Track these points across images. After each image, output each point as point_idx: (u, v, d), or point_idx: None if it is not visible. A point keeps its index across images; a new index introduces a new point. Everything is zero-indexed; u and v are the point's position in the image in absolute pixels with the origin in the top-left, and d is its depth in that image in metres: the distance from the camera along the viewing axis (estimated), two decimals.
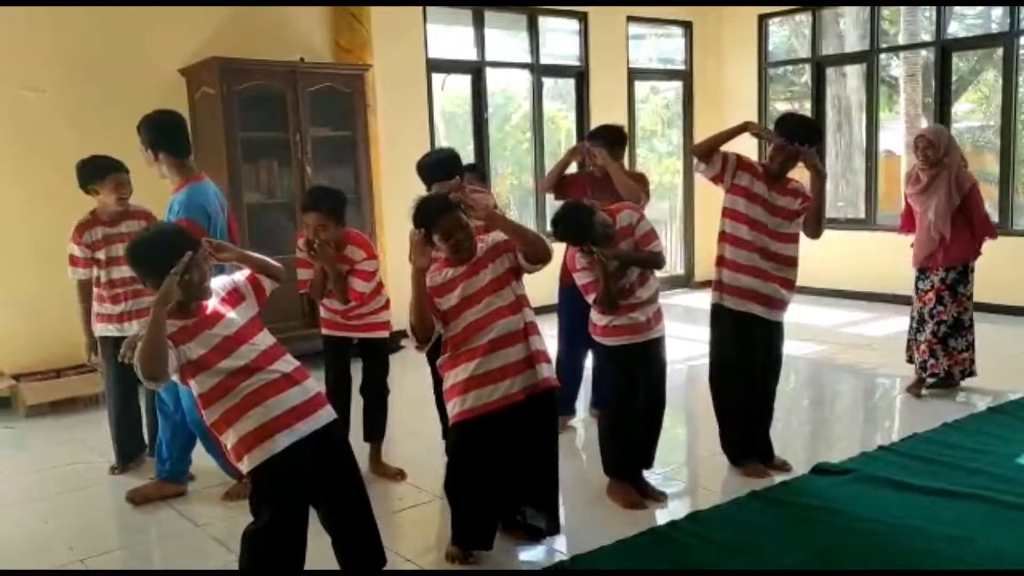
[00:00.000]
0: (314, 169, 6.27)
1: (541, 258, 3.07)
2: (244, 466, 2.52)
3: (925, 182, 4.91)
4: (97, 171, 4.09)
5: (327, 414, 2.62)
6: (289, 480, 2.54)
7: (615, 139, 4.59)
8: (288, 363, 2.62)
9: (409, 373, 5.08)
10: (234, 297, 2.67)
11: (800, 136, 3.81)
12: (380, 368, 4.19)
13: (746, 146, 4.20)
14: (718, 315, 3.92)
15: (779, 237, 3.82)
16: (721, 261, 3.88)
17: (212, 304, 2.59)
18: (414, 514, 3.72)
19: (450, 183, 3.96)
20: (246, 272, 2.76)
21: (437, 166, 4.09)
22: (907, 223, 5.22)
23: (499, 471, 3.13)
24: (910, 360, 5.24)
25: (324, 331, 4.13)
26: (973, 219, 4.91)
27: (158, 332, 2.39)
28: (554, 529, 3.34)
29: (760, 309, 3.82)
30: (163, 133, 3.76)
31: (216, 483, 4.00)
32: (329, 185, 4.43)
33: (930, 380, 5.08)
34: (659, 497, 3.70)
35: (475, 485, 3.12)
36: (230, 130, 5.93)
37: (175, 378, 2.54)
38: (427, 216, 3.05)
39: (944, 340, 4.96)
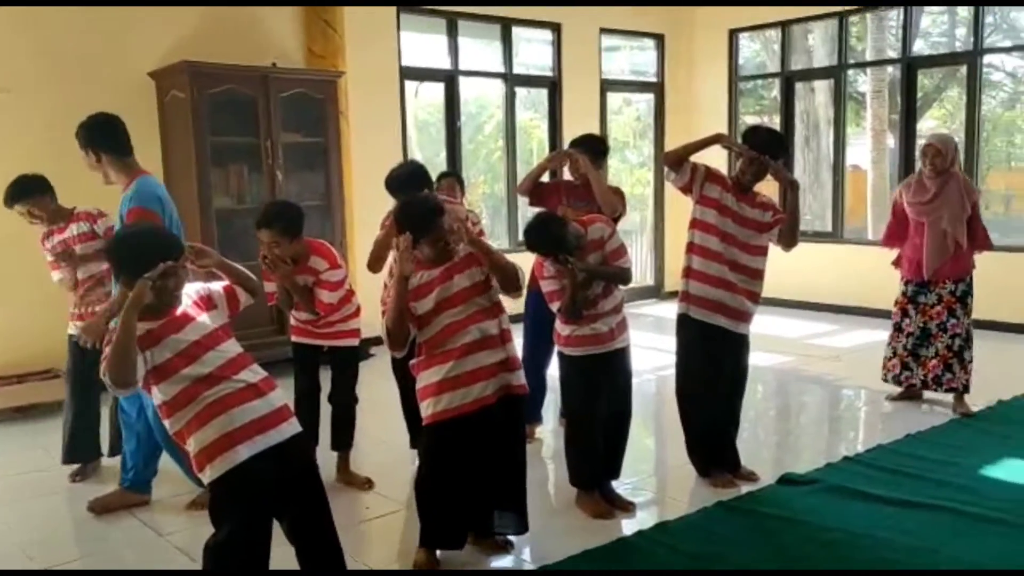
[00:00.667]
0: (284, 175, 6.23)
1: (510, 290, 3.10)
2: (205, 476, 2.48)
3: (934, 191, 4.81)
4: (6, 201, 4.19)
5: (291, 427, 2.57)
6: (250, 492, 2.49)
7: (599, 149, 4.61)
8: (254, 373, 2.57)
9: (378, 381, 5.06)
10: (206, 303, 2.64)
11: (768, 149, 3.85)
12: (349, 377, 4.16)
13: (718, 159, 4.23)
14: (684, 326, 3.94)
15: (748, 249, 3.86)
16: (689, 272, 3.91)
17: (181, 308, 2.55)
18: (381, 524, 3.69)
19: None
20: (223, 282, 2.73)
21: (408, 180, 4.06)
22: (894, 235, 5.09)
23: (470, 472, 3.14)
24: (887, 380, 5.15)
25: (293, 338, 4.10)
26: (974, 230, 4.85)
27: (128, 337, 2.36)
28: (522, 528, 3.33)
29: (726, 321, 3.85)
30: (103, 133, 3.72)
31: (182, 492, 3.94)
32: (286, 200, 4.42)
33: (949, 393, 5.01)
34: (627, 507, 3.71)
35: (446, 485, 3.12)
36: (199, 134, 5.87)
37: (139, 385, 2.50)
38: (417, 221, 3.03)
39: (960, 353, 4.88)
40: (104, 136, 3.71)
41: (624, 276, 3.60)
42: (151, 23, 6.14)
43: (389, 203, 4.09)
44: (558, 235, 3.44)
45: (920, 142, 8.24)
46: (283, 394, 2.64)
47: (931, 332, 4.95)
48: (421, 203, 3.15)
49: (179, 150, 6.03)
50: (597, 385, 3.60)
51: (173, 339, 2.47)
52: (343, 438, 4.15)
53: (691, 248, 3.90)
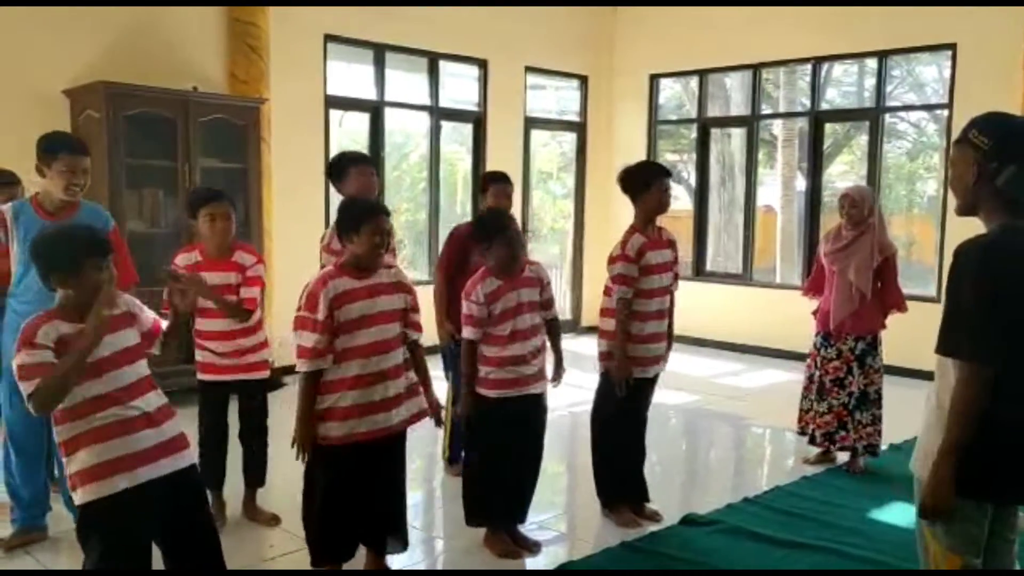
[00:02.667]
0: None
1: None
2: (76, 497, 2.45)
3: (848, 240, 4.79)
4: None
5: (183, 459, 2.57)
6: (120, 523, 2.46)
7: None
8: (152, 402, 2.54)
9: (286, 411, 4.98)
10: (128, 319, 2.59)
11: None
12: (260, 413, 4.08)
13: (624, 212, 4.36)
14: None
15: (665, 292, 4.03)
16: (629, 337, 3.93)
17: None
18: (285, 562, 3.64)
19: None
20: (154, 317, 2.71)
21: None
22: (814, 285, 5.06)
23: (360, 493, 3.19)
24: (803, 432, 5.03)
25: (200, 376, 3.98)
26: (886, 287, 4.81)
27: (77, 368, 2.35)
28: (403, 546, 3.41)
29: (657, 367, 4.05)
30: None
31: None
32: None
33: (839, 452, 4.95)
34: (532, 547, 3.77)
35: (336, 505, 3.17)
36: (114, 155, 5.75)
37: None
38: (365, 211, 3.14)
39: (852, 412, 4.80)
40: None
41: (557, 328, 3.78)
42: (68, 40, 6.00)
43: (308, 230, 4.05)
44: (510, 223, 3.58)
45: (826, 190, 8.68)
46: (178, 424, 2.61)
47: (825, 386, 4.88)
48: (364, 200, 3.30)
49: (92, 170, 5.83)
50: (510, 428, 3.63)
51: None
52: (257, 476, 4.09)
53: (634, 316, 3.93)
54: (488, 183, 4.70)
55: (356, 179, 4.05)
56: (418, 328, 3.29)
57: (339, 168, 4.15)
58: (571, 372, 6.85)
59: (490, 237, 3.54)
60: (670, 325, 4.10)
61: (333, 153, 7.68)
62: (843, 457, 5.03)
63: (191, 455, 2.62)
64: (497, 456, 3.66)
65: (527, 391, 3.63)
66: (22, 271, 3.56)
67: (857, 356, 4.81)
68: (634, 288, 3.89)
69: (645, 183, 3.94)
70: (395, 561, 3.58)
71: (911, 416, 5.25)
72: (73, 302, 2.47)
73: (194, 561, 2.63)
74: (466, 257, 4.44)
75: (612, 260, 3.94)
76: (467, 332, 3.59)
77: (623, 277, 3.88)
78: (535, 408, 3.72)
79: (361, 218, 3.09)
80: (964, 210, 2.25)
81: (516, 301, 3.56)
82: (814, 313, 5.08)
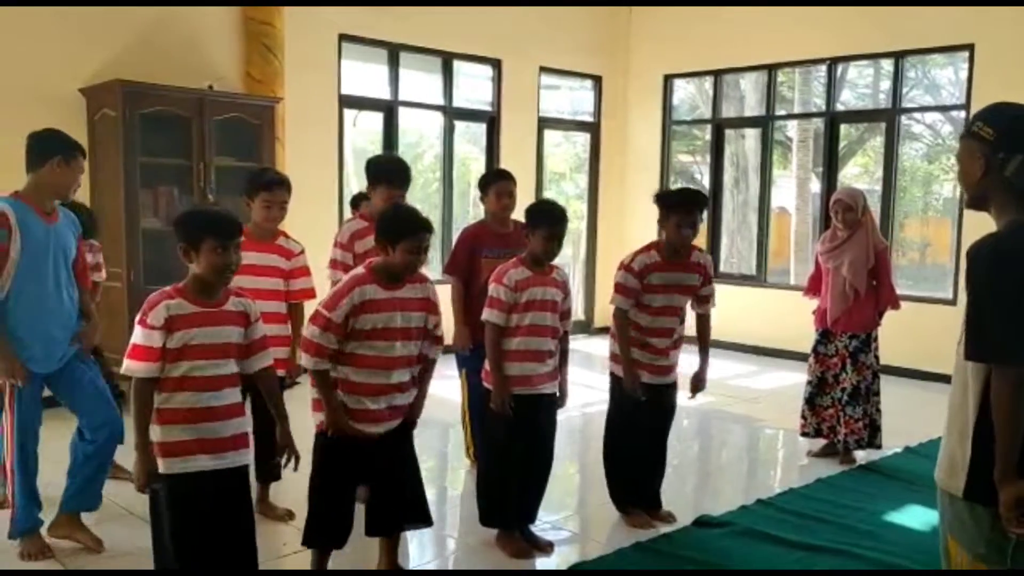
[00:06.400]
0: (216, 198, 6.17)
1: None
2: (160, 467, 2.62)
3: (843, 238, 4.90)
4: None
5: (241, 457, 2.72)
6: (192, 499, 2.64)
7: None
8: (229, 396, 2.69)
9: (300, 411, 4.99)
10: (238, 319, 2.72)
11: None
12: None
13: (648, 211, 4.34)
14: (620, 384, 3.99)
15: (678, 312, 3.98)
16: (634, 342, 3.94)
17: (226, 305, 2.69)
18: (298, 560, 3.63)
19: None
20: (264, 335, 2.85)
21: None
22: (813, 285, 5.16)
23: (357, 477, 3.20)
24: (805, 434, 5.10)
25: None
26: (880, 284, 4.90)
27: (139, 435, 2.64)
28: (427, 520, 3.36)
29: (664, 379, 4.00)
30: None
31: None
32: None
33: (839, 445, 5.01)
34: (545, 547, 3.75)
35: (330, 485, 3.19)
36: (129, 153, 5.78)
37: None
38: (408, 225, 3.02)
39: (844, 408, 4.93)
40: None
41: (567, 341, 3.79)
42: (84, 39, 6.04)
43: (321, 229, 3.97)
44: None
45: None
46: (246, 423, 2.80)
47: (827, 381, 5.02)
48: (407, 208, 3.24)
49: (107, 169, 5.93)
50: (517, 426, 3.60)
51: (197, 331, 2.59)
52: (271, 470, 4.07)
53: (635, 327, 3.93)
54: (489, 183, 4.57)
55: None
56: (438, 343, 3.24)
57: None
58: (583, 372, 6.94)
59: (538, 222, 3.54)
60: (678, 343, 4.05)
61: (348, 152, 7.75)
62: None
63: (246, 456, 2.76)
64: (508, 455, 3.64)
65: (540, 390, 3.62)
66: (22, 276, 3.37)
67: (851, 353, 4.93)
68: (634, 300, 3.89)
69: (665, 212, 3.88)
70: (407, 560, 3.58)
71: (928, 418, 5.25)
72: (194, 281, 2.65)
73: (227, 555, 2.74)
74: (475, 257, 4.45)
75: (619, 267, 3.96)
76: (493, 316, 3.53)
77: (622, 287, 3.89)
78: (547, 407, 3.70)
79: (402, 232, 3.00)
80: (973, 203, 2.20)
81: (541, 296, 3.57)
82: (814, 313, 5.16)
